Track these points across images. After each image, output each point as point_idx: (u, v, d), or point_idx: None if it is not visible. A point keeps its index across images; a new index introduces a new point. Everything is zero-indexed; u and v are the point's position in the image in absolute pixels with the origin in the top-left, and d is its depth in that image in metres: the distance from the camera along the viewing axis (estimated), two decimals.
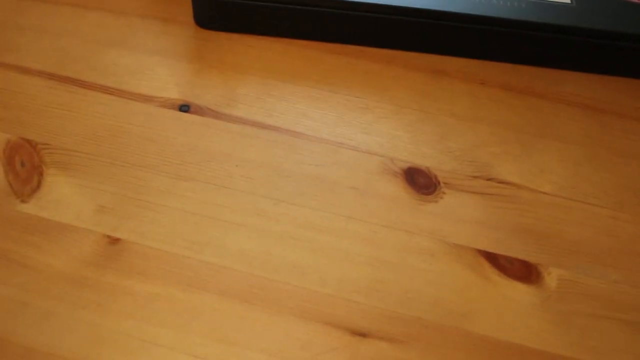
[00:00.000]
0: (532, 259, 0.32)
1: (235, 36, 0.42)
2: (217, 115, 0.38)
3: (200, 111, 0.38)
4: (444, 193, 0.35)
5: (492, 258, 0.32)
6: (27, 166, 0.35)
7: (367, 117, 0.38)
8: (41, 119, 0.37)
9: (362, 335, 0.30)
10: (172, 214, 0.33)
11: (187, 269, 0.31)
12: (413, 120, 0.38)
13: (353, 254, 0.32)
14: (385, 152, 0.36)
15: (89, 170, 0.35)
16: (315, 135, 0.37)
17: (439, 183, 0.35)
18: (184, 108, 0.38)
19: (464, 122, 0.38)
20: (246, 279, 0.31)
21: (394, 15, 0.40)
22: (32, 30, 0.42)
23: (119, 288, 0.30)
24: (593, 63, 0.41)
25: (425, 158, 0.36)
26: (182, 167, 0.35)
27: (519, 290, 0.31)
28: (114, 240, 0.32)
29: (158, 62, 0.40)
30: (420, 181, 0.35)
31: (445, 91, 0.40)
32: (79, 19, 0.43)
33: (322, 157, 0.36)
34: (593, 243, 0.33)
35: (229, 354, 0.29)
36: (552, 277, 0.32)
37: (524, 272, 0.32)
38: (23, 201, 0.33)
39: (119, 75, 0.39)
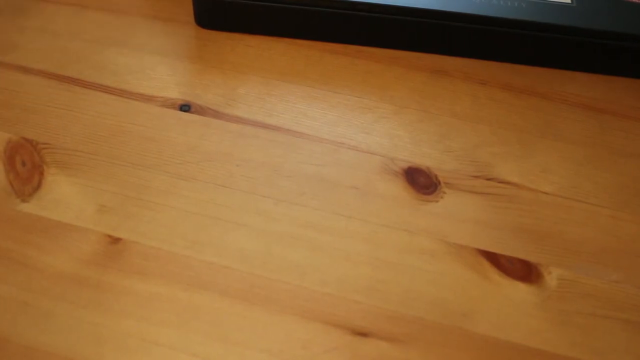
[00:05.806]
0: (533, 258, 0.32)
1: (235, 36, 0.42)
2: (217, 115, 0.38)
3: (201, 111, 0.38)
4: (444, 193, 0.35)
5: (492, 258, 0.32)
6: (28, 166, 0.35)
7: (367, 116, 0.38)
8: (42, 118, 0.37)
9: (363, 335, 0.30)
10: (173, 213, 0.33)
11: (187, 268, 0.31)
12: (413, 120, 0.38)
13: (353, 253, 0.32)
14: (386, 151, 0.36)
15: (90, 169, 0.35)
16: (315, 135, 0.37)
17: (439, 183, 0.35)
18: (185, 108, 0.38)
19: (464, 122, 0.38)
20: (247, 279, 0.31)
21: (394, 15, 0.40)
22: (33, 30, 0.42)
23: (120, 287, 0.30)
24: (593, 63, 0.41)
25: (426, 158, 0.36)
26: (182, 166, 0.35)
27: (519, 290, 0.31)
28: (115, 240, 0.32)
29: (159, 62, 0.40)
30: (421, 181, 0.35)
31: (446, 91, 0.40)
32: (80, 19, 0.43)
33: (323, 157, 0.36)
34: (594, 243, 0.33)
35: (229, 354, 0.29)
36: (552, 276, 0.32)
37: (524, 271, 0.32)
38: (24, 201, 0.33)
39: (119, 75, 0.39)
